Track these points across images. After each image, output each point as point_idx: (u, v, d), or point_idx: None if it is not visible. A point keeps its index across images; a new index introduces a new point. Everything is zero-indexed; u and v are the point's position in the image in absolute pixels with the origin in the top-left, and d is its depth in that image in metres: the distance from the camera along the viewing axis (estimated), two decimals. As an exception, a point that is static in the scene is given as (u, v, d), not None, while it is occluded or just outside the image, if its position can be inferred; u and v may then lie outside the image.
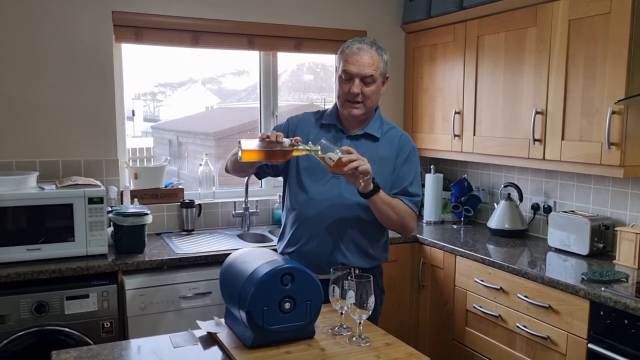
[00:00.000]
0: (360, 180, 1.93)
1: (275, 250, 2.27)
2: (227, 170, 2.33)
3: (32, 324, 2.35)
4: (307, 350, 1.65)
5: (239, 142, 1.89)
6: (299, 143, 1.91)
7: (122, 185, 3.12)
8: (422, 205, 3.55)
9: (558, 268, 2.56)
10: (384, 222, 2.13)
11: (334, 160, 1.89)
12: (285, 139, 1.91)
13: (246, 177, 3.14)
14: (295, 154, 1.93)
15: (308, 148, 1.91)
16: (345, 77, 2.12)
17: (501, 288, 2.60)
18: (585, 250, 2.66)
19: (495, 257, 2.69)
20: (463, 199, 3.44)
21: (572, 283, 2.26)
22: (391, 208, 2.08)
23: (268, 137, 1.89)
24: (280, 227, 2.37)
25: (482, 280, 2.70)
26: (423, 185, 3.54)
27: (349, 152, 1.91)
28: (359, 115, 2.15)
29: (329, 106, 2.41)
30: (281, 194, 2.41)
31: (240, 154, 1.88)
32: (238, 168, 2.23)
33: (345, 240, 2.15)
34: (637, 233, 2.49)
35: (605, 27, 2.42)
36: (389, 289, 2.70)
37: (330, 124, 2.23)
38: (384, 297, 2.34)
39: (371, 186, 1.97)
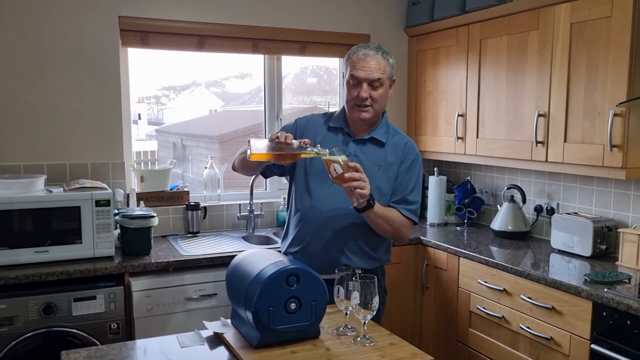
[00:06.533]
0: (354, 199, 1.95)
1: (280, 251, 2.30)
2: (234, 169, 2.35)
3: (40, 326, 2.37)
4: (312, 350, 1.68)
5: (249, 142, 1.91)
6: (308, 145, 1.93)
7: (129, 188, 3.15)
8: (425, 208, 3.57)
9: (561, 269, 2.57)
10: (378, 232, 2.16)
11: (337, 172, 1.91)
12: (294, 141, 1.93)
13: (252, 177, 3.17)
14: (303, 156, 1.95)
15: (316, 151, 1.92)
16: (353, 82, 2.14)
17: (504, 289, 2.61)
18: (588, 252, 2.67)
19: (499, 258, 2.71)
20: (466, 200, 3.46)
21: (575, 284, 2.28)
22: (386, 221, 2.11)
23: (277, 137, 1.91)
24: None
25: (485, 282, 2.72)
26: (426, 188, 3.56)
27: (356, 170, 1.94)
28: (368, 119, 2.17)
29: (333, 109, 2.43)
30: (286, 196, 2.43)
31: (249, 153, 1.90)
32: (245, 167, 2.26)
33: (349, 243, 2.17)
34: (639, 234, 2.50)
35: (607, 30, 2.44)
36: (392, 291, 2.72)
37: (338, 127, 2.25)
38: (387, 297, 2.36)
39: (364, 204, 2.00)
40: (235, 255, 1.95)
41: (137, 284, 2.55)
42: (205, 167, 3.45)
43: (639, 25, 2.35)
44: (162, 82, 4.01)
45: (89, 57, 2.97)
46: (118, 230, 2.73)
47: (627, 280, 2.30)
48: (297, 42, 3.46)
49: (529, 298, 2.47)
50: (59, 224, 2.55)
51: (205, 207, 3.30)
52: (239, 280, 1.77)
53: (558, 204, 3.11)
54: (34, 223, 2.52)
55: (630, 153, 2.42)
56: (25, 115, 2.88)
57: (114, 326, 2.50)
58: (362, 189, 1.93)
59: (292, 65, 3.95)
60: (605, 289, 2.18)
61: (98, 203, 2.60)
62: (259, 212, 3.40)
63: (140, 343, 1.83)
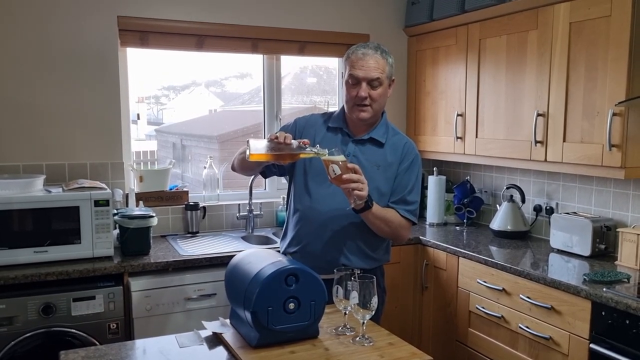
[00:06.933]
0: (352, 200, 1.95)
1: (279, 251, 2.30)
2: (233, 169, 2.35)
3: (40, 326, 2.37)
4: (311, 350, 1.68)
5: (248, 142, 1.91)
6: (307, 146, 1.93)
7: (128, 187, 3.15)
8: (424, 207, 3.58)
9: (560, 269, 2.57)
10: (377, 232, 2.16)
11: (336, 173, 1.91)
12: (293, 141, 1.93)
13: (251, 177, 3.16)
14: (302, 156, 1.95)
15: (315, 151, 1.92)
16: (352, 82, 2.14)
17: (504, 289, 2.61)
18: (587, 252, 2.67)
19: (498, 258, 2.71)
20: (466, 200, 3.46)
21: (574, 284, 2.28)
22: (384, 222, 2.11)
23: (277, 138, 1.91)
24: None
25: (484, 282, 2.72)
26: (426, 188, 3.57)
27: (355, 171, 1.94)
28: (367, 119, 2.17)
29: (332, 109, 2.42)
30: (285, 196, 2.42)
31: (248, 153, 1.90)
32: (245, 167, 2.26)
33: (348, 243, 2.17)
34: (638, 234, 2.50)
35: (606, 29, 2.44)
36: (392, 291, 2.72)
37: (337, 127, 2.25)
38: (386, 297, 2.36)
39: (362, 205, 2.00)
40: (234, 255, 1.95)
41: (137, 284, 2.55)
42: (205, 167, 3.46)
43: (638, 24, 2.35)
44: (162, 82, 4.01)
45: (88, 57, 2.97)
46: (117, 230, 2.73)
47: (626, 280, 2.30)
48: (296, 42, 3.46)
49: (528, 298, 2.47)
50: (58, 224, 2.55)
51: (204, 207, 3.30)
52: (238, 280, 1.77)
53: (557, 204, 3.11)
54: (33, 223, 2.52)
55: (629, 152, 2.42)
56: (24, 115, 2.88)
57: (113, 326, 2.50)
58: (360, 191, 1.93)
59: (292, 65, 3.95)
60: (604, 289, 2.19)
61: (97, 203, 2.59)
62: (258, 212, 3.40)
63: (139, 343, 1.83)
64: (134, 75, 3.26)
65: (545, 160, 2.77)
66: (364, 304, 1.69)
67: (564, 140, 2.67)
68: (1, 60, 2.81)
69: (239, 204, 3.37)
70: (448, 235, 3.24)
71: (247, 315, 1.66)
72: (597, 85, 2.50)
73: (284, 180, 3.42)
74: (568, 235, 2.75)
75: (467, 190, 3.50)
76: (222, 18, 3.24)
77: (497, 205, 3.27)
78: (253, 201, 3.36)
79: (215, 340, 1.78)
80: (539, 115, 2.77)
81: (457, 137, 3.31)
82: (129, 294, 2.54)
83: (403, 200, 2.18)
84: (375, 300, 1.70)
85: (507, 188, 3.27)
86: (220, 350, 1.72)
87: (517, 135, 2.93)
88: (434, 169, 3.59)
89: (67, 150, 2.97)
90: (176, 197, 3.24)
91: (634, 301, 2.05)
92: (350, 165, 1.94)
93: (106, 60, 3.01)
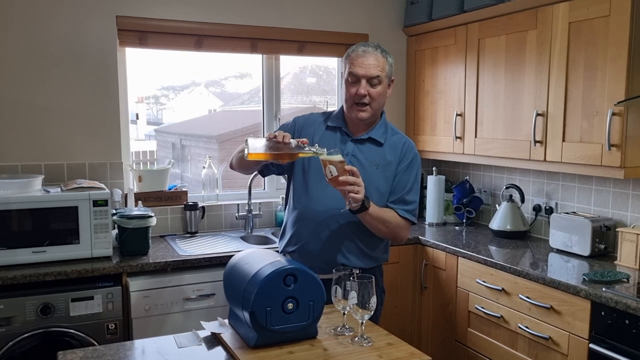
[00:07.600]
0: (347, 201, 1.95)
1: (278, 250, 2.30)
2: (232, 167, 2.35)
3: (38, 326, 2.37)
4: (309, 350, 1.67)
5: (246, 141, 1.90)
6: (305, 145, 1.93)
7: (127, 187, 3.15)
8: (424, 207, 3.58)
9: (559, 269, 2.57)
10: (374, 233, 2.15)
11: (332, 174, 1.91)
12: (291, 140, 1.93)
13: (250, 175, 3.16)
14: (301, 155, 1.95)
15: (314, 150, 1.92)
16: (352, 80, 2.13)
17: (503, 289, 2.61)
18: (586, 251, 2.67)
19: (497, 258, 2.71)
20: (465, 200, 3.46)
21: (573, 284, 2.28)
22: (381, 222, 2.10)
23: (275, 137, 1.91)
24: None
25: (484, 282, 2.71)
26: (425, 188, 3.56)
27: (352, 173, 1.93)
28: (366, 119, 2.16)
29: (331, 109, 2.42)
30: (284, 196, 2.42)
31: (246, 152, 1.90)
32: (243, 165, 2.26)
33: (346, 242, 2.17)
34: (638, 234, 2.50)
35: (605, 29, 2.44)
36: (391, 291, 2.72)
37: (336, 126, 2.25)
38: (385, 297, 2.36)
39: (358, 207, 1.99)
40: (233, 255, 1.95)
41: (135, 284, 2.55)
42: (204, 167, 3.45)
43: (637, 24, 2.35)
44: (162, 82, 4.01)
45: (86, 57, 2.97)
46: (116, 231, 2.73)
47: (625, 280, 2.29)
48: (295, 41, 3.46)
49: (528, 298, 2.47)
50: (57, 224, 2.55)
51: (203, 207, 3.29)
52: (236, 281, 1.76)
53: (557, 204, 3.11)
54: (32, 223, 2.52)
55: (629, 152, 2.42)
56: (23, 115, 2.88)
57: (111, 326, 2.49)
58: (355, 193, 1.92)
59: (291, 65, 3.95)
60: (603, 289, 2.18)
61: (96, 203, 2.59)
62: (257, 212, 3.40)
63: (137, 343, 1.83)
64: (133, 75, 3.25)
65: (545, 160, 2.77)
66: (362, 304, 1.69)
67: (563, 140, 2.66)
68: (0, 60, 2.81)
69: (238, 204, 3.37)
70: (447, 235, 3.24)
71: (246, 316, 1.66)
72: (597, 84, 2.49)
73: (282, 180, 3.42)
74: (567, 235, 2.75)
75: (467, 190, 3.50)
76: (221, 18, 3.24)
77: (497, 205, 3.27)
78: (252, 201, 3.35)
79: (214, 340, 1.78)
80: (538, 115, 2.76)
81: (457, 137, 3.31)
82: (128, 294, 2.53)
83: (402, 200, 2.18)
84: (374, 300, 1.70)
85: (507, 188, 3.26)
86: (219, 351, 1.71)
87: (516, 135, 2.92)
88: (433, 168, 3.59)
89: (65, 150, 2.96)
90: (175, 197, 3.24)
91: (633, 301, 2.04)
92: (347, 167, 1.93)
93: (105, 60, 3.00)
